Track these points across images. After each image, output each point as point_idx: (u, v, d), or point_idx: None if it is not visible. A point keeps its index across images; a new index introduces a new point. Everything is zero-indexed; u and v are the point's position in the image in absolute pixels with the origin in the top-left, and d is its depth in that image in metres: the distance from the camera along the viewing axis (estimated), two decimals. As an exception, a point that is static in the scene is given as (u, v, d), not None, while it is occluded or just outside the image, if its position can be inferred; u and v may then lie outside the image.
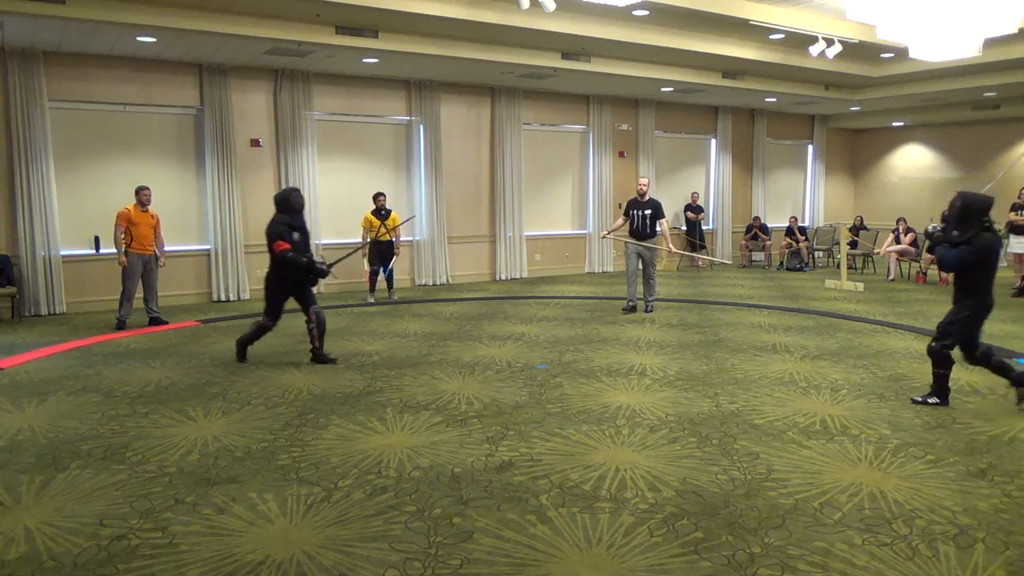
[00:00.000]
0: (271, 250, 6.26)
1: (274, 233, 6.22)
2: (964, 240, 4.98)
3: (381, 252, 10.09)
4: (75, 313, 9.30)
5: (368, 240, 9.86)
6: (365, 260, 10.18)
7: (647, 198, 9.09)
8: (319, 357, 6.58)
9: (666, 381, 5.93)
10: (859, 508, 3.55)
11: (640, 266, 9.18)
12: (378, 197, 10.04)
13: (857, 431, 4.69)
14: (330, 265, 6.64)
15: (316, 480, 3.92)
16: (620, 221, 9.49)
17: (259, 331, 6.54)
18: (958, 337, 5.10)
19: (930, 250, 5.38)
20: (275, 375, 6.17)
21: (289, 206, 6.33)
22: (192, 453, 4.32)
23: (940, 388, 5.23)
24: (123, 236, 8.17)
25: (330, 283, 11.14)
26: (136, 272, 8.25)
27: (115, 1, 7.55)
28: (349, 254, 7.80)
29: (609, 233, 9.73)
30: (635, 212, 9.06)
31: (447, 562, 3.06)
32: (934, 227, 5.44)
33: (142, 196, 8.29)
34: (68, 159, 9.35)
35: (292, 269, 6.28)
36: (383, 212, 10.02)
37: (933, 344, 5.18)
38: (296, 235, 6.31)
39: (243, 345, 6.62)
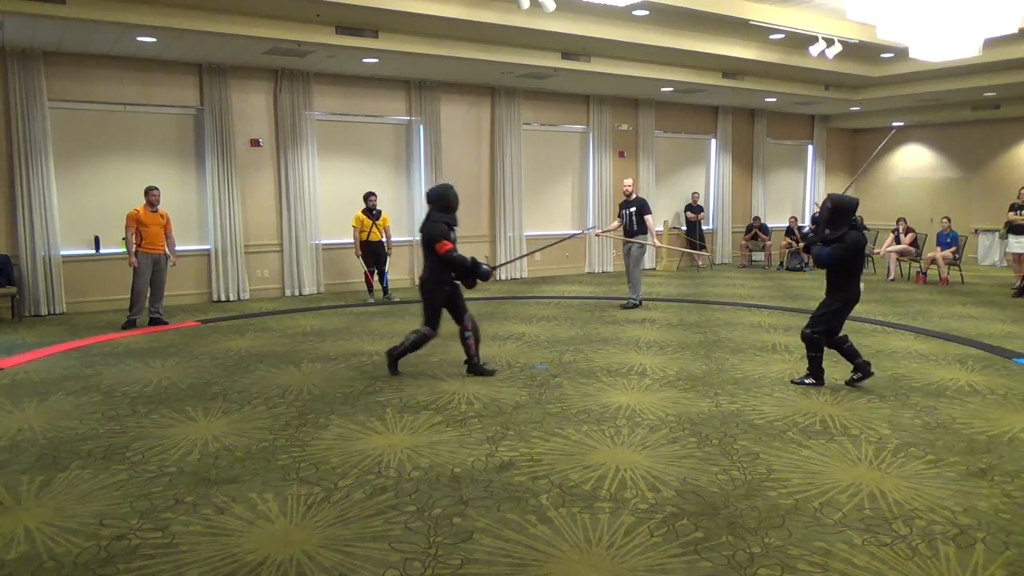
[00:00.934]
0: (432, 251, 5.82)
1: (437, 233, 5.79)
2: (836, 238, 5.48)
3: (374, 253, 10.08)
4: (75, 313, 9.30)
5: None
6: (361, 261, 10.15)
7: (633, 197, 9.55)
8: (476, 369, 6.13)
9: (666, 381, 5.93)
10: (859, 508, 3.55)
11: (628, 260, 9.59)
12: (369, 197, 10.02)
13: (857, 431, 4.69)
14: (494, 267, 6.23)
15: (316, 480, 3.92)
16: (615, 224, 9.89)
17: (420, 342, 6.02)
18: (827, 324, 5.65)
19: (806, 249, 5.95)
20: (275, 375, 6.17)
21: (447, 203, 5.92)
22: (192, 453, 4.32)
23: (815, 369, 5.77)
24: (133, 237, 8.21)
25: (331, 283, 11.16)
26: (146, 272, 8.28)
27: (115, 1, 7.55)
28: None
29: (603, 232, 10.57)
30: (624, 211, 9.52)
31: (447, 562, 3.06)
32: (807, 229, 5.84)
33: (151, 196, 8.34)
34: (68, 159, 9.35)
35: (456, 270, 5.93)
36: (374, 212, 10.00)
37: (805, 330, 5.70)
38: (453, 234, 5.96)
39: (396, 357, 6.12)
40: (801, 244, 6.10)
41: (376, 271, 10.17)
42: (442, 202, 5.92)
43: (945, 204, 15.38)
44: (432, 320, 5.99)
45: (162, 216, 8.43)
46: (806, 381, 5.79)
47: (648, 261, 14.44)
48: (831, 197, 5.65)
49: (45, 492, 3.78)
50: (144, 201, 8.35)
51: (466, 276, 5.98)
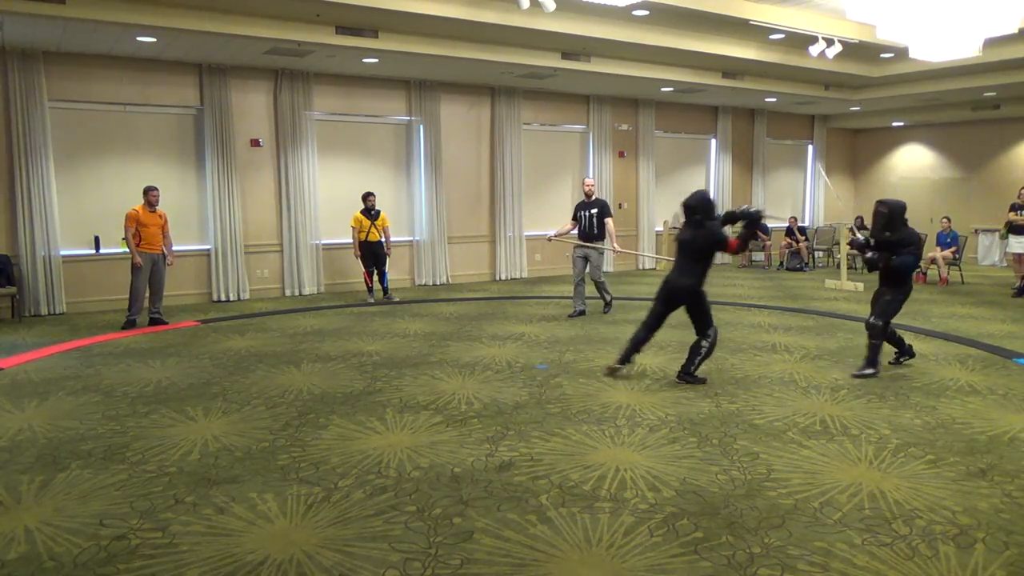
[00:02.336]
0: (709, 256, 5.80)
1: (722, 236, 5.78)
2: (898, 239, 5.99)
3: (374, 253, 10.07)
4: (75, 313, 9.30)
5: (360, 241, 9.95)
6: (359, 261, 10.15)
7: (594, 198, 8.97)
8: (688, 376, 5.92)
9: (666, 381, 5.93)
10: (859, 508, 3.55)
11: (587, 269, 8.90)
12: (367, 197, 10.01)
13: (857, 431, 4.69)
14: (757, 210, 6.07)
15: (316, 480, 3.92)
16: (569, 225, 9.15)
17: (715, 342, 5.93)
18: (893, 315, 6.15)
19: (873, 268, 6.25)
20: (275, 375, 6.17)
21: (713, 208, 5.89)
22: (192, 453, 4.32)
23: (875, 358, 6.07)
24: (133, 237, 8.21)
25: (331, 283, 11.16)
26: (145, 272, 8.28)
27: (115, 1, 7.55)
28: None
29: (556, 236, 9.36)
30: (582, 213, 8.86)
31: (447, 562, 3.06)
32: (872, 255, 6.19)
33: (150, 196, 8.32)
34: (68, 159, 9.35)
35: (737, 250, 5.99)
36: (373, 212, 10.00)
37: (875, 321, 6.07)
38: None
39: (692, 372, 5.90)
40: (866, 254, 6.30)
41: (376, 271, 10.17)
42: (711, 207, 5.88)
43: (945, 204, 15.37)
44: (710, 319, 5.95)
45: (160, 216, 8.42)
46: (866, 372, 6.03)
47: (649, 262, 14.47)
48: (885, 203, 6.11)
49: (45, 492, 3.78)
50: (143, 201, 8.35)
51: (751, 238, 6.12)
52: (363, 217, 9.95)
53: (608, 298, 9.18)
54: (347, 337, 7.72)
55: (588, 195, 8.97)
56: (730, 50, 10.54)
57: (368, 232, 9.92)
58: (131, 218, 8.23)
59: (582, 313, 8.97)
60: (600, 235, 8.83)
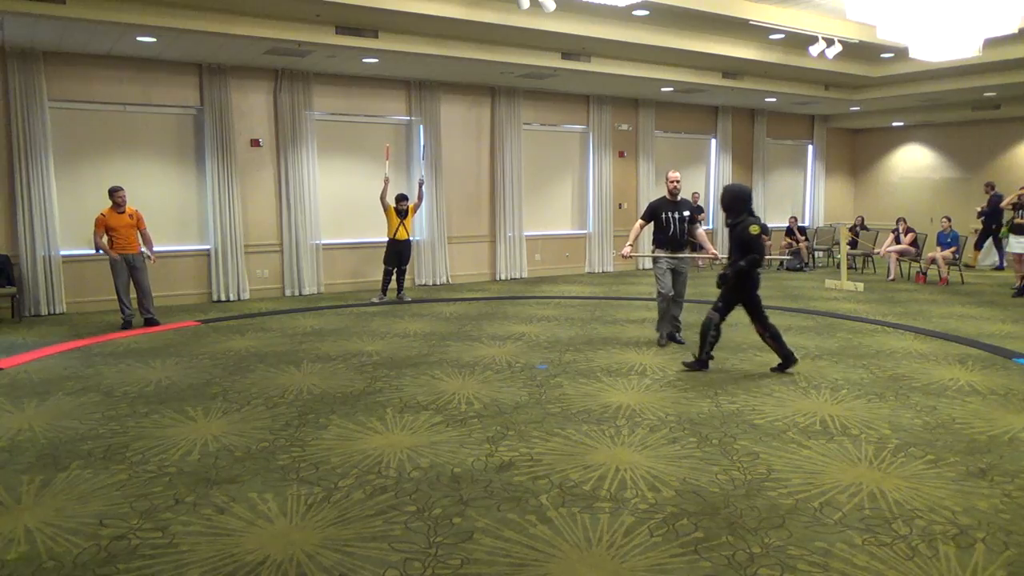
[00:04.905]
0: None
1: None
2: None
3: (399, 252, 10.07)
4: (75, 313, 9.30)
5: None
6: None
7: (680, 197, 7.27)
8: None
9: (666, 381, 5.93)
10: (859, 508, 3.55)
11: (676, 284, 7.32)
12: (401, 200, 10.03)
13: (857, 431, 4.69)
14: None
15: (316, 480, 3.92)
16: (637, 228, 7.42)
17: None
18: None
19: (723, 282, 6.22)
20: (275, 375, 6.17)
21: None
22: (192, 453, 4.32)
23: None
24: (103, 240, 8.15)
25: (331, 283, 11.16)
26: (122, 271, 8.22)
27: (115, 1, 7.55)
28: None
29: (631, 246, 7.41)
30: (670, 215, 7.15)
31: (447, 562, 3.06)
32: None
33: (116, 198, 8.18)
34: (68, 159, 9.35)
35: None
36: (402, 213, 10.02)
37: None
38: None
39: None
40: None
41: (396, 270, 10.17)
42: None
43: (945, 204, 15.37)
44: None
45: (131, 216, 8.28)
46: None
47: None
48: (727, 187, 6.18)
49: (45, 492, 3.78)
50: (111, 203, 8.19)
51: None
52: (394, 216, 9.99)
53: (680, 324, 7.50)
54: (347, 337, 7.72)
55: (673, 193, 7.21)
56: (730, 50, 10.55)
57: (396, 231, 9.93)
58: (99, 223, 8.13)
59: (672, 339, 7.35)
60: (687, 243, 7.41)
